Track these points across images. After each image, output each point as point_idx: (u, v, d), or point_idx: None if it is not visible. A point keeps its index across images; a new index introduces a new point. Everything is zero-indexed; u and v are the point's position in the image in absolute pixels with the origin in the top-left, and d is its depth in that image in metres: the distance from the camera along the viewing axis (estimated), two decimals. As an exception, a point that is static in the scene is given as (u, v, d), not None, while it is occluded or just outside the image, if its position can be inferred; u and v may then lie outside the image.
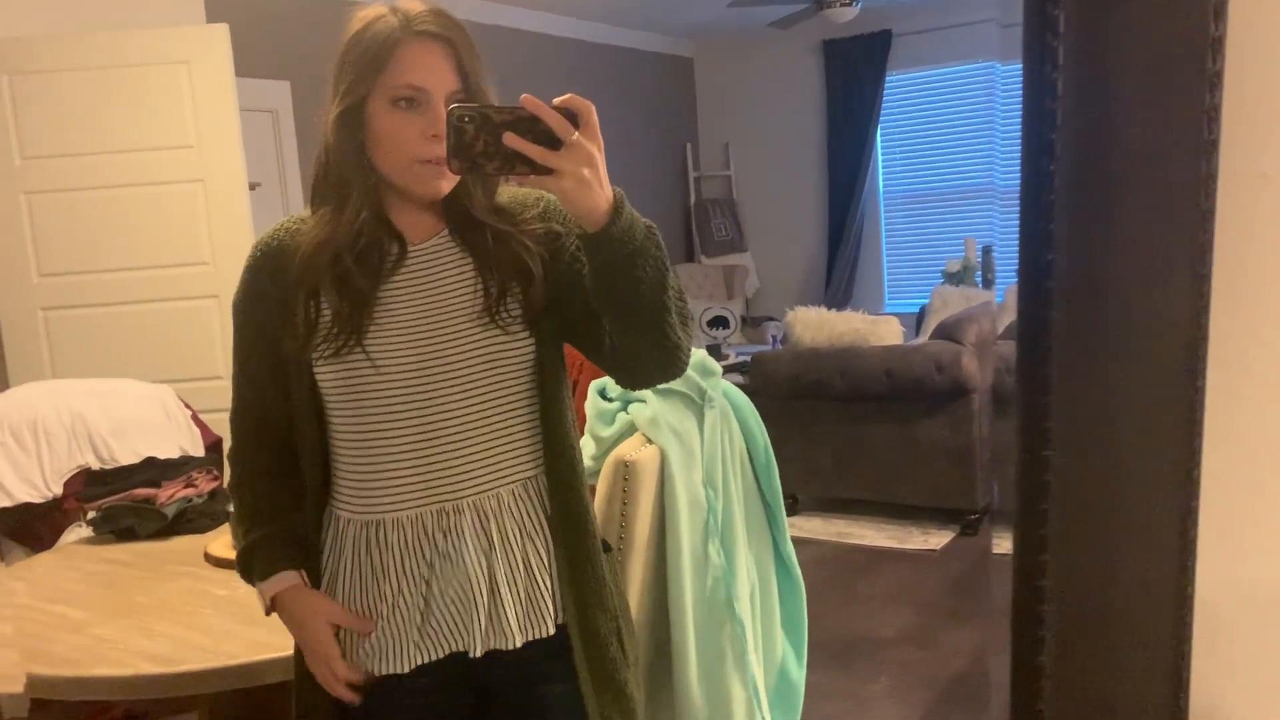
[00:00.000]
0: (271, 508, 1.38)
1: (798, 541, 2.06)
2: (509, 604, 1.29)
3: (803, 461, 4.66)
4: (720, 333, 7.12)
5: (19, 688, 1.51)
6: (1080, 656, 0.86)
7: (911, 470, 4.48)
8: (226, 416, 2.89)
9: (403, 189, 1.27)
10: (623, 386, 1.39)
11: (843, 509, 4.76)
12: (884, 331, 4.68)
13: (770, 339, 7.05)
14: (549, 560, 1.32)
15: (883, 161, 7.25)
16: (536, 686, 1.33)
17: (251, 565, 1.37)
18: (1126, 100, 0.70)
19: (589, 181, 1.10)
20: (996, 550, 4.19)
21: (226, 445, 3.00)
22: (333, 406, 1.29)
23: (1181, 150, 0.70)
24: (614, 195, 1.14)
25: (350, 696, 1.30)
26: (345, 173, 1.26)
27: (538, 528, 1.32)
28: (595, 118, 1.10)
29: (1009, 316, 4.76)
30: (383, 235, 1.29)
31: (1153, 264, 0.62)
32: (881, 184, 7.28)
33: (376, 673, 1.30)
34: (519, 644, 1.29)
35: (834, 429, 4.66)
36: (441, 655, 1.29)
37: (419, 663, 1.29)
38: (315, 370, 1.27)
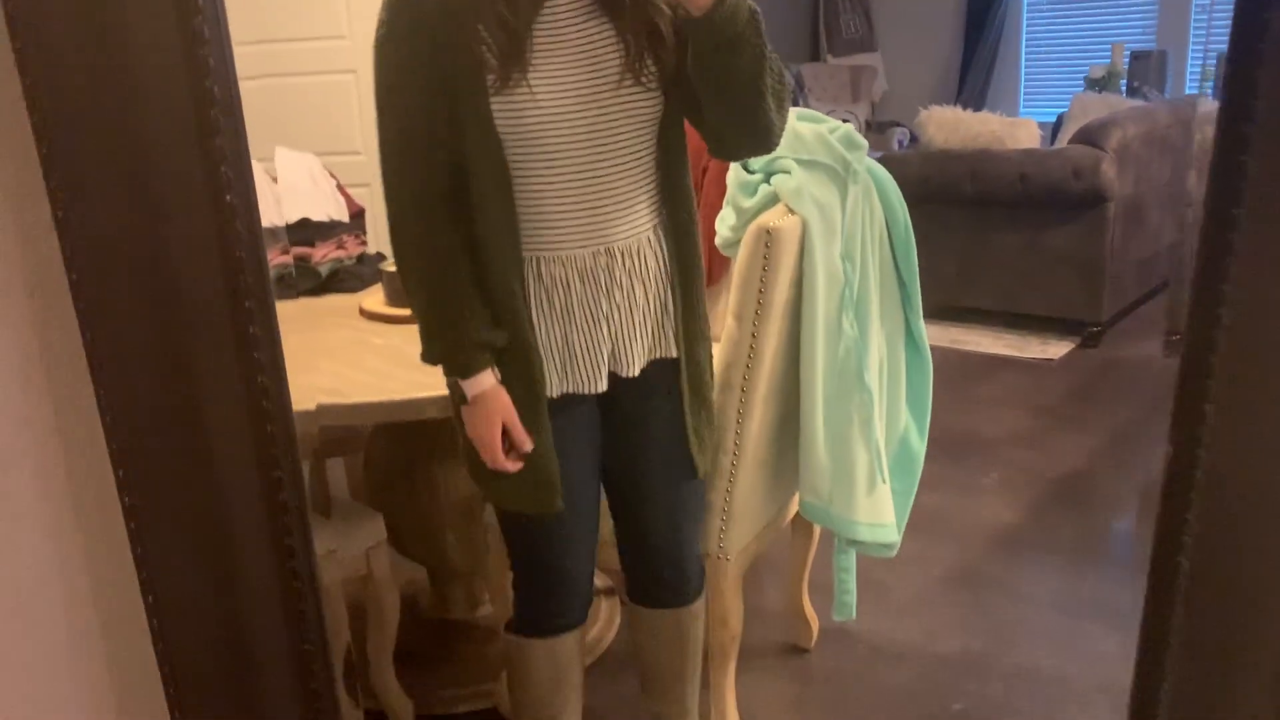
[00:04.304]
0: (465, 295, 1.41)
1: None
2: (642, 337, 1.48)
3: (924, 268, 4.58)
4: (844, 136, 6.92)
5: (312, 406, 1.68)
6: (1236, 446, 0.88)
7: (1036, 279, 4.40)
8: (365, 191, 2.97)
9: None
10: (715, 157, 1.53)
11: (962, 317, 4.72)
12: (1021, 135, 4.51)
13: (896, 144, 6.84)
14: (671, 297, 1.49)
15: (1033, -46, 6.76)
16: (648, 399, 1.53)
17: (454, 360, 1.43)
18: None
19: None
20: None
21: (370, 215, 3.09)
22: (505, 148, 1.36)
23: None
24: None
25: (513, 467, 1.45)
26: None
27: (664, 268, 1.48)
28: None
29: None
30: None
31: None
32: (1029, -22, 6.82)
33: (557, 394, 1.47)
34: (642, 366, 1.49)
35: (959, 235, 4.57)
36: (582, 387, 1.47)
37: (565, 392, 1.46)
38: (479, 106, 1.33)
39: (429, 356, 1.46)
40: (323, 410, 1.69)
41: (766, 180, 1.85)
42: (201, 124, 0.78)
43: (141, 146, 0.78)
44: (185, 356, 0.84)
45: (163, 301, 0.83)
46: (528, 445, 1.44)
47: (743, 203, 1.86)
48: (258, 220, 0.83)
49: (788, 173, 1.81)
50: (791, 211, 1.79)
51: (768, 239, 1.74)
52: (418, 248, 1.41)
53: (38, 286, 0.86)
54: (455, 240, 1.39)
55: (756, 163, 1.88)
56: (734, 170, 1.91)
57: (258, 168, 2.70)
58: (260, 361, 0.86)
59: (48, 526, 0.99)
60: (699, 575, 1.75)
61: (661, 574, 1.69)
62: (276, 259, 2.50)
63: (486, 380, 1.42)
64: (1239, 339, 0.81)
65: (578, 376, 1.46)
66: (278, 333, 0.90)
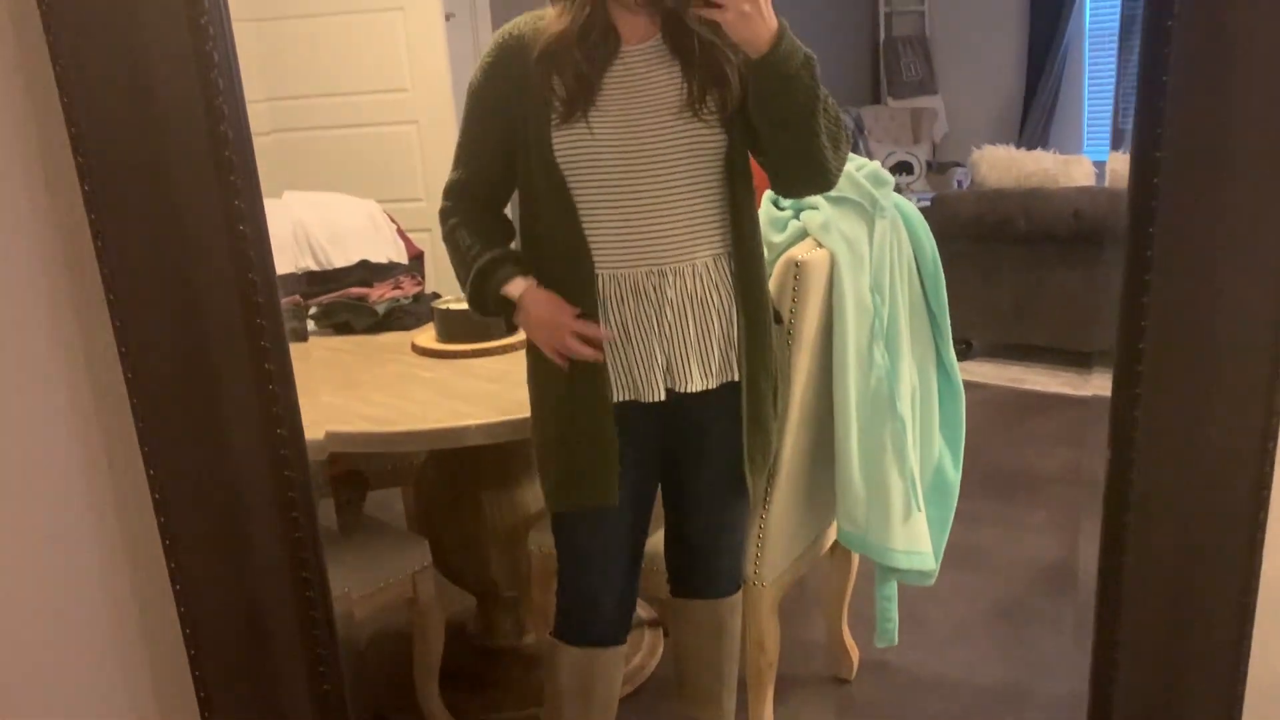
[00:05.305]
0: (492, 237, 1.60)
1: (969, 386, 2.13)
2: (699, 356, 1.55)
3: (980, 306, 4.59)
4: (904, 178, 6.95)
5: (320, 435, 1.79)
6: (1165, 482, 0.97)
7: (1093, 316, 4.36)
8: (426, 236, 3.10)
9: None
10: (777, 194, 1.63)
11: (1018, 355, 4.69)
12: (1075, 172, 4.50)
13: (956, 184, 6.83)
14: (732, 325, 1.57)
15: (1092, -8, 6.73)
16: (708, 416, 1.61)
17: (490, 279, 1.56)
18: None
19: (750, 15, 1.30)
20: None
21: (429, 258, 3.21)
22: (564, 175, 1.50)
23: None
24: (777, 28, 1.33)
25: (590, 353, 1.52)
26: None
27: (726, 296, 1.56)
28: None
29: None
30: (606, 32, 1.48)
31: None
32: (1089, 16, 6.79)
33: (616, 399, 1.56)
34: (701, 389, 1.56)
35: (1015, 272, 4.56)
36: (640, 395, 1.56)
37: (623, 399, 1.56)
38: (552, 138, 1.48)
39: (473, 301, 1.60)
40: (331, 438, 1.79)
41: (796, 216, 1.92)
42: (218, 163, 0.89)
43: (167, 183, 0.91)
44: (206, 362, 0.94)
45: (187, 322, 0.95)
46: (594, 330, 1.52)
47: (773, 238, 1.93)
48: (268, 247, 0.93)
49: (816, 208, 1.87)
50: (820, 245, 1.84)
51: (797, 271, 1.80)
52: (444, 223, 1.62)
53: (83, 306, 0.97)
54: (467, 217, 1.60)
55: (786, 200, 1.95)
56: (765, 207, 1.98)
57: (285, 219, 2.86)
58: (271, 371, 0.95)
59: (94, 538, 1.09)
60: (734, 573, 1.84)
61: (696, 566, 1.80)
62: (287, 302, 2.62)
63: (518, 284, 1.55)
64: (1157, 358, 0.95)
65: (635, 384, 1.56)
66: (287, 350, 1.00)
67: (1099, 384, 4.21)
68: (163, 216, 0.92)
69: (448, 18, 4.03)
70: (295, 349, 2.50)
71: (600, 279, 1.53)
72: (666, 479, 1.72)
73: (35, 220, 0.96)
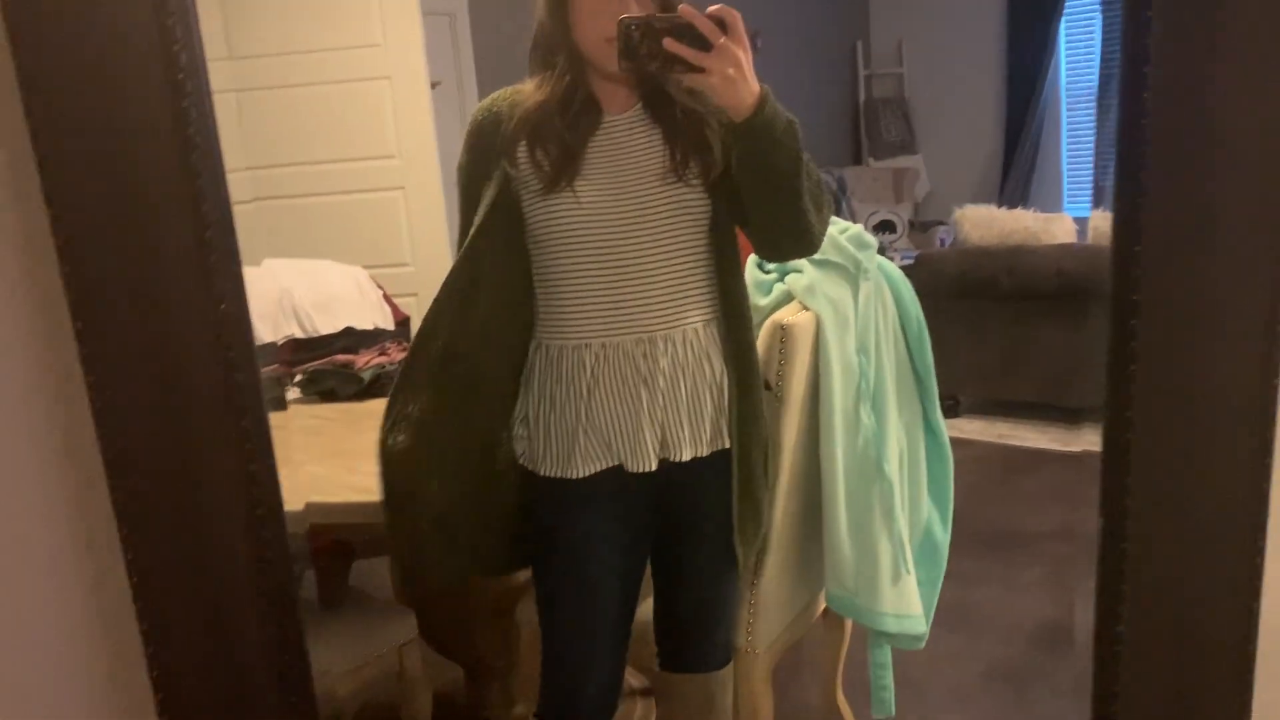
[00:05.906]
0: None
1: (958, 443, 2.12)
2: (690, 424, 1.53)
3: (966, 363, 4.60)
4: (887, 237, 7.02)
5: (300, 506, 1.77)
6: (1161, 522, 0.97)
7: (1080, 372, 4.38)
8: (412, 300, 3.11)
9: (594, 63, 1.46)
10: (761, 258, 1.63)
11: (1006, 412, 4.70)
12: (1056, 230, 4.55)
13: (939, 243, 6.90)
14: (722, 391, 1.55)
15: (1066, 54, 6.88)
16: (699, 486, 1.59)
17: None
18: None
19: (734, 80, 1.30)
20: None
21: (415, 323, 3.23)
22: (542, 245, 1.50)
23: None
24: (760, 92, 1.33)
25: None
26: (553, 43, 1.47)
27: (717, 361, 1.54)
28: (741, 25, 1.30)
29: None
30: (587, 102, 1.49)
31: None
32: (1064, 79, 6.92)
33: (576, 476, 1.53)
34: (692, 457, 1.54)
35: (1000, 330, 4.59)
36: (628, 464, 1.52)
37: (603, 467, 1.53)
38: (526, 209, 1.48)
39: None
40: (314, 509, 1.76)
41: (781, 279, 1.92)
42: (200, 244, 0.89)
43: (147, 262, 0.91)
44: (186, 441, 0.94)
45: (166, 400, 0.94)
46: None
47: (758, 301, 1.93)
48: (248, 324, 0.93)
49: (800, 271, 1.88)
50: (805, 308, 1.85)
51: (782, 334, 1.80)
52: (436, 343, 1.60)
53: (61, 388, 0.97)
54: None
55: (770, 263, 1.96)
56: (749, 270, 1.99)
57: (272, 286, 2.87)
58: (249, 430, 0.94)
59: (72, 623, 1.07)
60: (725, 645, 1.80)
61: (687, 641, 1.76)
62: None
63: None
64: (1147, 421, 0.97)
65: (624, 453, 1.52)
66: (267, 425, 0.99)
67: (1089, 439, 4.21)
68: (142, 296, 0.92)
69: (434, 85, 4.07)
70: (274, 418, 2.49)
71: (589, 347, 1.51)
72: (656, 552, 1.69)
73: (13, 303, 0.96)
